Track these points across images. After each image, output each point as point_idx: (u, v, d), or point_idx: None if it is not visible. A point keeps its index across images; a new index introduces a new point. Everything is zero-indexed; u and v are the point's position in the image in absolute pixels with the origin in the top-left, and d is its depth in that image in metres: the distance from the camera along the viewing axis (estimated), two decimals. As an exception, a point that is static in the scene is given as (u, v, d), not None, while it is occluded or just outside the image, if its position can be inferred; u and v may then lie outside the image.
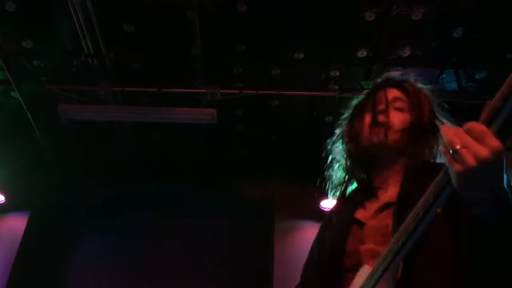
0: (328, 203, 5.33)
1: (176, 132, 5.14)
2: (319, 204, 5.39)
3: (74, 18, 3.88)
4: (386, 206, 1.41)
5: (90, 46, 4.13)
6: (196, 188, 5.60)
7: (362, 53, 4.36)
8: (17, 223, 5.51)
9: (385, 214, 1.40)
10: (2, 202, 5.50)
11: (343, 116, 1.76)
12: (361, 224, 1.45)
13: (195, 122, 4.67)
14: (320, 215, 5.27)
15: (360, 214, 1.48)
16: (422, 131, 1.52)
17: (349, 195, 1.65)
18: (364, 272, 1.31)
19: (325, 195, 5.25)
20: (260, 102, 4.85)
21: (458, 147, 0.97)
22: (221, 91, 4.46)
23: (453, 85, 4.56)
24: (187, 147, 5.44)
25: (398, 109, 1.58)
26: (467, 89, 4.56)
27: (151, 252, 5.38)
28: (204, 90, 4.44)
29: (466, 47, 4.19)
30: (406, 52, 4.31)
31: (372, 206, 1.47)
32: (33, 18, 4.12)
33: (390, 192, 1.47)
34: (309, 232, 5.37)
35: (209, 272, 5.28)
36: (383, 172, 1.55)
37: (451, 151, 0.99)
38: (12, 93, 4.79)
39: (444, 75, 4.53)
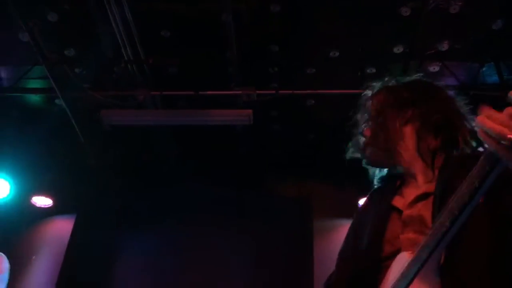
0: (367, 201, 5.29)
1: (214, 134, 5.21)
2: (357, 202, 5.34)
3: (114, 26, 4.00)
4: (424, 196, 1.41)
5: (129, 53, 4.25)
6: (235, 189, 5.66)
7: (398, 49, 4.32)
8: (64, 226, 5.72)
9: (423, 204, 1.40)
10: (50, 206, 5.70)
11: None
12: (399, 211, 1.46)
13: (232, 123, 4.73)
14: (359, 213, 5.24)
15: (398, 202, 1.49)
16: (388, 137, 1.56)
17: (384, 182, 1.67)
18: (403, 259, 1.31)
19: (363, 193, 5.24)
20: (296, 101, 4.86)
21: (510, 136, 0.93)
22: (257, 92, 4.50)
23: (494, 78, 4.44)
24: (224, 149, 5.50)
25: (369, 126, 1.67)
26: (509, 82, 4.43)
27: (192, 253, 5.47)
28: (240, 92, 4.48)
29: (506, 39, 4.07)
30: (444, 47, 4.24)
31: (410, 195, 1.48)
32: (75, 28, 4.27)
33: (420, 180, 1.48)
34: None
35: (249, 272, 5.32)
36: (404, 167, 1.56)
37: (504, 142, 0.94)
38: (56, 101, 4.97)
39: (484, 68, 4.42)
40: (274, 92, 4.57)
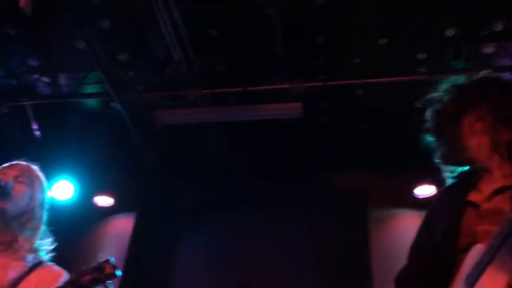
0: (421, 190, 5.17)
1: (265, 128, 5.25)
2: (412, 191, 5.24)
3: (163, 28, 4.12)
4: (502, 190, 1.43)
5: (179, 53, 4.36)
6: (288, 182, 5.68)
7: (450, 32, 4.19)
8: (125, 223, 5.95)
9: (501, 198, 1.41)
10: (111, 205, 5.93)
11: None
12: (475, 206, 1.47)
13: (281, 117, 4.76)
14: (414, 202, 5.13)
15: (474, 197, 1.50)
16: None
17: (459, 178, 1.67)
18: (478, 250, 1.32)
19: (418, 182, 5.14)
20: (344, 92, 4.83)
21: None
22: (305, 84, 4.50)
23: (554, 58, 4.24)
24: (276, 142, 5.54)
25: None
26: None
27: (250, 246, 5.55)
28: (288, 85, 4.50)
29: None
30: (499, 27, 4.07)
31: (487, 189, 1.49)
32: (126, 33, 4.43)
33: (497, 175, 1.49)
34: (404, 221, 5.26)
35: (306, 265, 5.33)
36: (479, 163, 1.57)
37: None
38: (112, 104, 5.17)
39: (543, 48, 4.23)
40: (322, 83, 4.55)
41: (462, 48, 4.23)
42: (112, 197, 5.86)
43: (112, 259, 1.80)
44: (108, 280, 1.75)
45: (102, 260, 1.79)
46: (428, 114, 1.73)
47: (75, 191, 5.55)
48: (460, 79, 1.72)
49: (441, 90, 1.71)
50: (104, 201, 5.88)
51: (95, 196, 5.83)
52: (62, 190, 5.48)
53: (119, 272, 1.78)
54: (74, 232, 5.43)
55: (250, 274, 5.47)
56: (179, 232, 5.88)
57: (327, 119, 5.27)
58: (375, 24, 4.21)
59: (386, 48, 4.36)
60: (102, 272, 1.76)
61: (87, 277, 1.77)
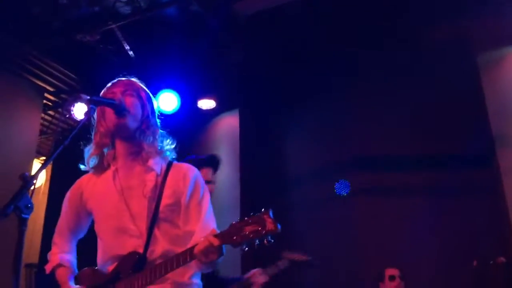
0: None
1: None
2: (524, 24, 4.75)
3: None
4: None
5: None
6: (387, 48, 5.41)
7: None
8: (231, 121, 6.19)
9: None
10: (214, 106, 6.12)
11: None
12: None
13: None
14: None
15: None
16: None
17: None
18: None
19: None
20: None
21: None
22: None
23: None
24: (361, 9, 5.22)
25: None
26: None
27: (357, 119, 5.56)
28: None
29: None
30: None
31: None
32: None
33: None
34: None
35: (420, 128, 5.26)
36: None
37: None
38: (191, 7, 5.15)
39: None
40: None
41: None
42: (214, 99, 6.03)
43: (271, 214, 1.69)
44: (268, 235, 1.68)
45: (262, 212, 1.71)
46: None
47: (178, 100, 5.77)
48: None
49: None
50: (207, 104, 6.07)
51: (198, 101, 6.03)
52: (167, 101, 5.73)
53: (279, 228, 1.68)
54: (186, 137, 5.73)
55: (362, 146, 5.53)
56: (285, 118, 6.02)
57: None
58: None
59: None
60: (263, 226, 1.68)
61: (249, 228, 1.70)
